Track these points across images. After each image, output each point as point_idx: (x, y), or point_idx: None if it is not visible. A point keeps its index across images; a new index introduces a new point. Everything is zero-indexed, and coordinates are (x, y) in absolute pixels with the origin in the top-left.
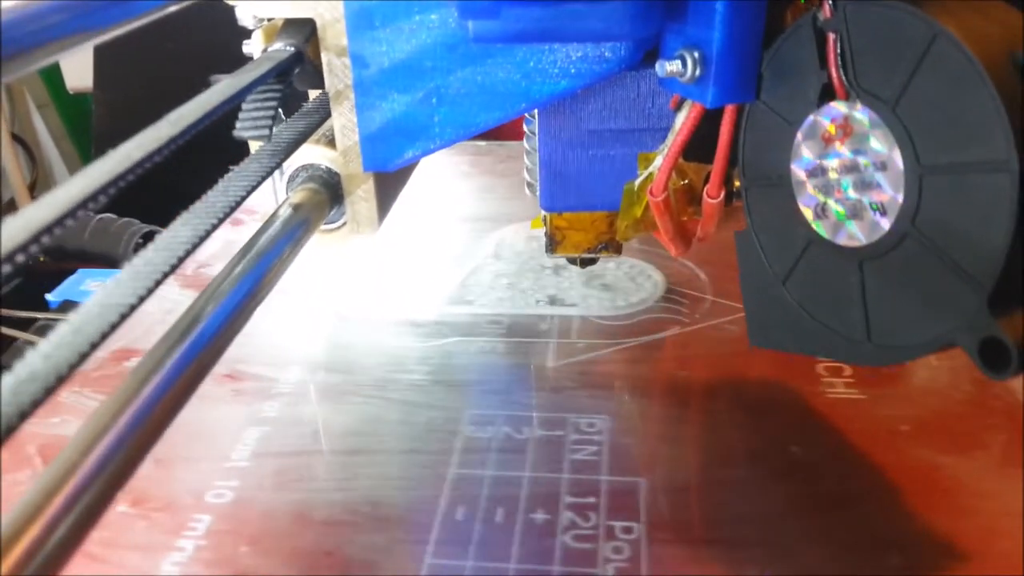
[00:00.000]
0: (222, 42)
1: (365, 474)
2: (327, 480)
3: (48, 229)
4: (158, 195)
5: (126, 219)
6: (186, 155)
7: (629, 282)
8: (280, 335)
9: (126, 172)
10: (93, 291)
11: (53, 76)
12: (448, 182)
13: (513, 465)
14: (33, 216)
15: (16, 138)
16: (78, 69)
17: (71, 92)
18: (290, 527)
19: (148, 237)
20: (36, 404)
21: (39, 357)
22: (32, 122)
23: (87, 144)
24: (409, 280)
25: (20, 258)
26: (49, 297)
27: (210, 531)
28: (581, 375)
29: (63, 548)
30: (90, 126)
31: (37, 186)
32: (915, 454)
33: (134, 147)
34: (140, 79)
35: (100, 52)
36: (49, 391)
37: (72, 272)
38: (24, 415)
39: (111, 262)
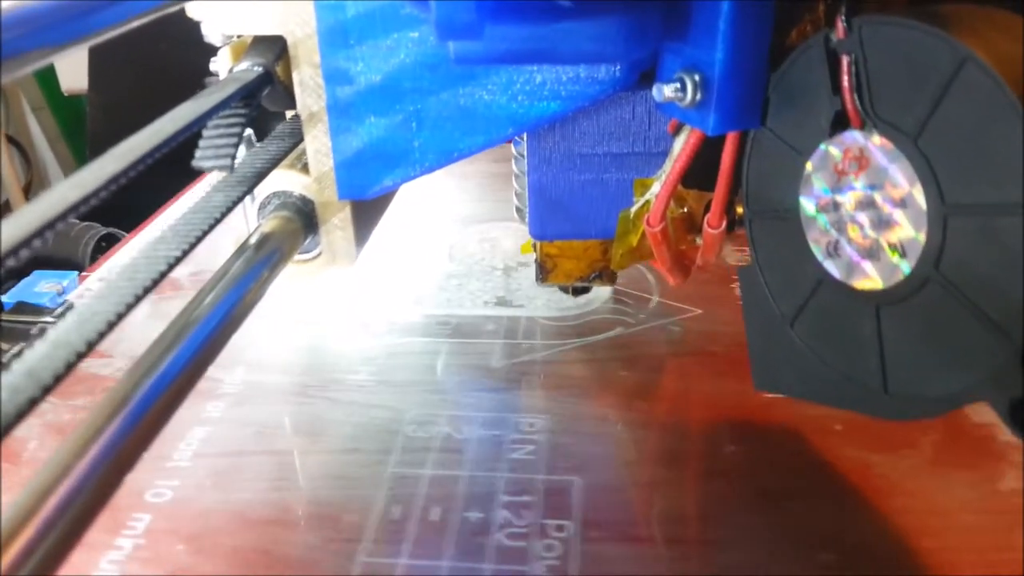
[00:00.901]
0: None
1: (304, 474)
2: (267, 480)
3: (35, 236)
4: (120, 199)
5: (87, 223)
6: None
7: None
8: None
9: (62, 216)
10: (47, 292)
11: (48, 78)
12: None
13: (452, 464)
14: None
15: (11, 140)
16: (73, 71)
17: (66, 94)
18: (227, 526)
19: (108, 239)
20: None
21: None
22: (27, 124)
23: (82, 146)
24: (359, 281)
25: (12, 262)
26: (3, 298)
27: (148, 530)
28: (523, 375)
29: (52, 557)
30: (85, 128)
31: (32, 188)
32: (847, 453)
33: (68, 188)
34: (134, 81)
35: (95, 54)
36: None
37: (28, 275)
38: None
39: (72, 265)
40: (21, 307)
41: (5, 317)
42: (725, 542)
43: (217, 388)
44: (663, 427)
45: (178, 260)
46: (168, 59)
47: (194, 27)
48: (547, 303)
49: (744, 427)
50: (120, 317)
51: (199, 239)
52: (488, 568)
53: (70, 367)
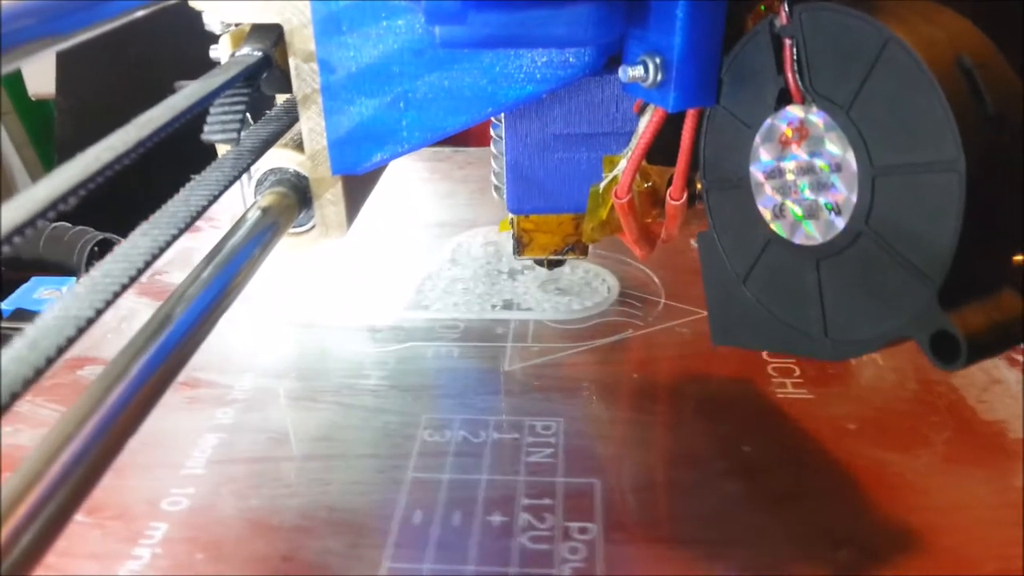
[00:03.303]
0: (185, 48)
1: (321, 479)
2: (283, 486)
3: (7, 238)
4: (114, 203)
5: (80, 227)
6: (142, 162)
7: (584, 286)
8: (235, 341)
9: (92, 177)
10: (47, 299)
11: (14, 83)
12: (406, 187)
13: (470, 468)
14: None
15: None
16: (40, 75)
17: (33, 99)
18: (246, 533)
19: (103, 245)
20: None
21: None
22: None
23: (50, 152)
24: (365, 285)
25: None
26: (2, 305)
27: (166, 539)
28: (536, 378)
29: (27, 558)
30: (53, 133)
31: (0, 194)
32: (862, 452)
33: (101, 150)
34: (103, 85)
35: (62, 58)
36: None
37: (26, 281)
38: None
39: (66, 271)
40: (20, 314)
41: (4, 324)
42: (743, 542)
43: (227, 395)
44: (677, 428)
45: (179, 233)
46: (137, 63)
47: (162, 31)
48: (554, 306)
49: (758, 427)
50: (90, 322)
51: (200, 212)
52: (514, 571)
53: (50, 361)
